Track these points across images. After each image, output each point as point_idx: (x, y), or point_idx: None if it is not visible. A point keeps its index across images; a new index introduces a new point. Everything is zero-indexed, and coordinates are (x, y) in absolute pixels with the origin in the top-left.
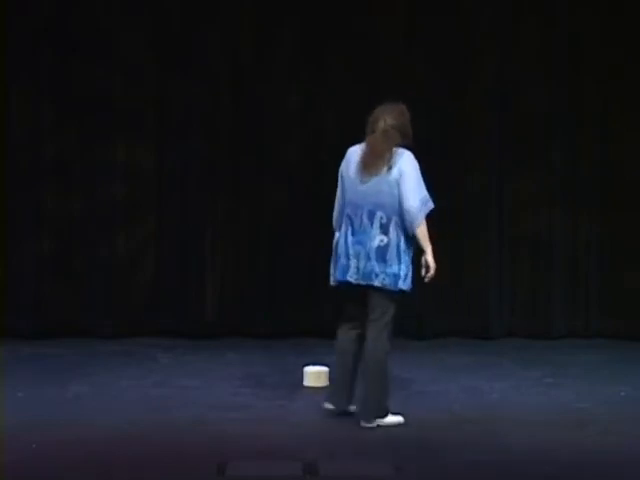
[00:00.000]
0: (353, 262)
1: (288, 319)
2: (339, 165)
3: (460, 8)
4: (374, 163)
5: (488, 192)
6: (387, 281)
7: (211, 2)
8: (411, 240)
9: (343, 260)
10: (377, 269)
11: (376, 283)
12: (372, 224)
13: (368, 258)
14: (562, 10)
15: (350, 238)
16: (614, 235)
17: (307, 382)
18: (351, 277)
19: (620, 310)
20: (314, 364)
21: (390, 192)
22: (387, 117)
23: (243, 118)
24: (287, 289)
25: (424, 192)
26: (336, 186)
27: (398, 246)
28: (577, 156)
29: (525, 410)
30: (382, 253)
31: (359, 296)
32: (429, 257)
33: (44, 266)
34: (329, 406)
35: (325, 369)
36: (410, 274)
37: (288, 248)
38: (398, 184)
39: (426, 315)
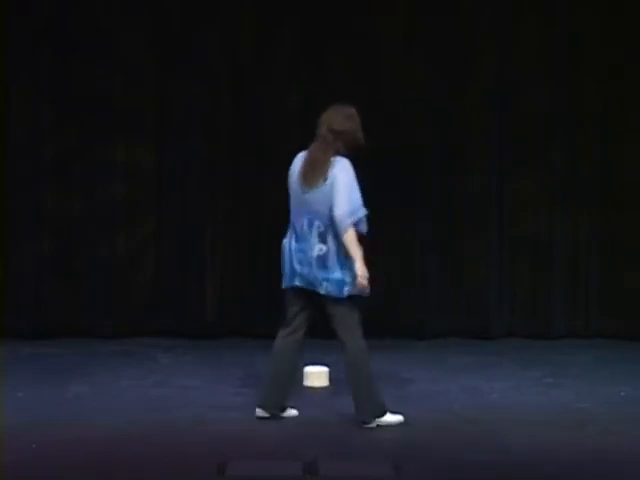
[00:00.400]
0: (298, 268)
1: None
2: None
3: (460, 8)
4: (312, 174)
5: (488, 192)
6: (331, 288)
7: (211, 2)
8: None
9: (289, 266)
10: (320, 277)
11: (321, 291)
12: (311, 233)
13: (310, 266)
14: (562, 10)
15: (294, 245)
16: (614, 235)
17: (307, 382)
18: (299, 282)
19: (620, 310)
20: (314, 364)
21: (325, 201)
22: (331, 122)
23: (243, 118)
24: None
25: (355, 200)
26: None
27: (338, 253)
28: (577, 156)
29: (525, 410)
30: (323, 261)
31: (306, 302)
32: (358, 265)
33: (44, 266)
34: (261, 413)
35: (325, 369)
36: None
37: None
38: (332, 194)
39: (426, 315)
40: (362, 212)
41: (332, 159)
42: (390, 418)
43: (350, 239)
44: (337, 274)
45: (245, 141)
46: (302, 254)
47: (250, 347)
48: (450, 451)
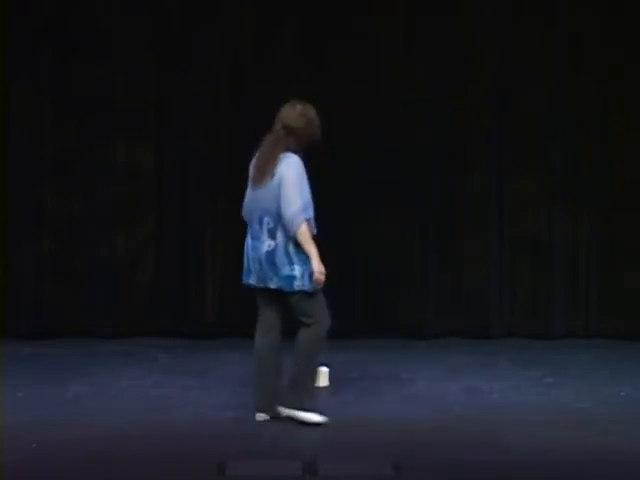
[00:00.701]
0: (252, 265)
1: (288, 319)
2: (339, 165)
3: (460, 8)
4: (261, 171)
5: (488, 192)
6: (281, 283)
7: (211, 2)
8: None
9: (246, 264)
10: (270, 273)
11: (271, 285)
12: (262, 229)
13: (261, 262)
14: (562, 10)
15: (250, 242)
16: (614, 235)
17: None
18: (253, 280)
19: (620, 310)
20: None
21: (273, 198)
22: (285, 118)
23: (243, 118)
24: None
25: (304, 198)
26: (336, 186)
27: (286, 249)
28: (577, 156)
29: (525, 410)
30: (271, 257)
31: (269, 299)
32: (314, 262)
33: (44, 266)
34: (262, 416)
35: (325, 369)
36: (312, 274)
37: None
38: (279, 190)
39: (426, 315)
40: (311, 212)
41: (280, 155)
42: (307, 415)
43: (304, 236)
44: (286, 270)
45: (245, 141)
46: (255, 251)
47: (250, 347)
48: (450, 451)
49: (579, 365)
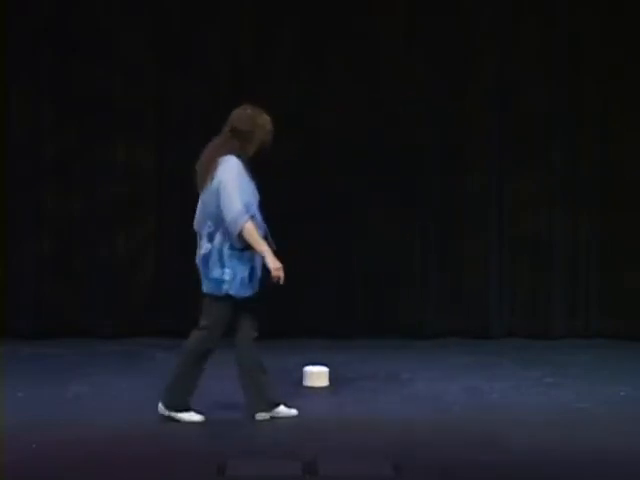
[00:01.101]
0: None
1: (287, 319)
2: (339, 165)
3: (460, 8)
4: (202, 173)
5: (488, 192)
6: (210, 286)
7: (211, 2)
8: (242, 245)
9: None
10: (203, 274)
11: (203, 289)
12: (203, 233)
13: (199, 267)
14: (562, 10)
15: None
16: (614, 235)
17: (307, 382)
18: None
19: (620, 310)
20: (314, 364)
21: (214, 201)
22: (234, 121)
23: None
24: (286, 289)
25: (244, 199)
26: (335, 186)
27: (220, 252)
28: (577, 156)
29: (525, 410)
30: (206, 260)
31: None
32: (268, 259)
33: (44, 266)
34: (262, 416)
35: (325, 369)
36: (245, 278)
37: (287, 248)
38: (219, 193)
39: (426, 315)
40: (252, 211)
41: (219, 159)
42: (184, 415)
43: (250, 234)
44: (216, 273)
45: None
46: (197, 257)
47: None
48: (450, 451)
49: (579, 365)
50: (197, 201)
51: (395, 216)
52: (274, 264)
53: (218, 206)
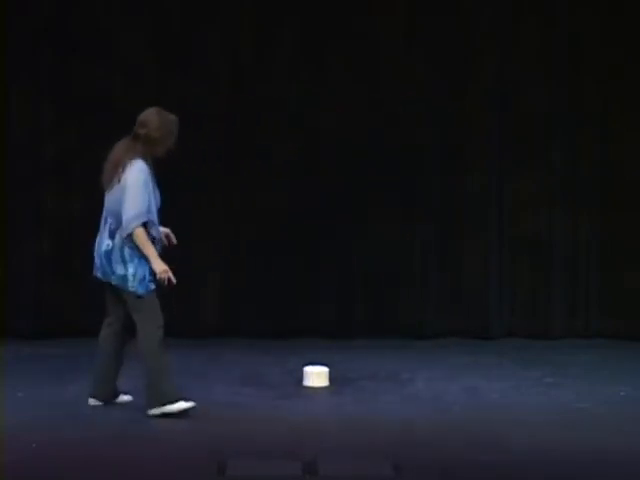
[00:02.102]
0: (97, 260)
1: (287, 319)
2: (339, 165)
3: (460, 8)
4: (109, 174)
5: (488, 192)
6: (118, 282)
7: (211, 2)
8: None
9: (94, 257)
10: (108, 270)
11: (113, 281)
12: (105, 228)
13: (101, 259)
14: (562, 10)
15: (98, 238)
16: (614, 235)
17: (307, 382)
18: (99, 274)
19: (620, 310)
20: (314, 364)
21: (118, 202)
22: (143, 126)
23: (243, 118)
24: (286, 289)
25: (141, 203)
26: (335, 186)
27: (122, 250)
28: (577, 156)
29: (525, 410)
30: (108, 256)
31: (112, 292)
32: (153, 263)
33: (44, 266)
34: (94, 402)
35: (325, 369)
36: (146, 275)
37: (288, 248)
38: (123, 194)
39: (426, 315)
40: (144, 218)
41: (129, 161)
42: (172, 407)
43: (139, 240)
44: (120, 270)
45: (245, 141)
46: (98, 248)
47: (250, 347)
48: (450, 451)
49: (579, 365)
50: (198, 201)
51: (395, 216)
52: (159, 267)
53: (120, 205)
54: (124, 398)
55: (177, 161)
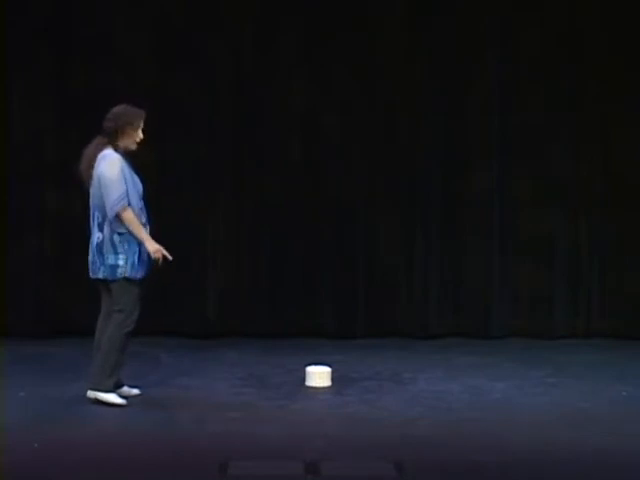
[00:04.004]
0: (89, 257)
1: (289, 319)
2: (339, 165)
3: (460, 8)
4: (85, 169)
5: (488, 192)
6: (107, 273)
7: (211, 2)
8: (127, 229)
9: (89, 256)
10: (98, 263)
11: (100, 275)
12: (93, 223)
13: (94, 254)
14: (562, 10)
15: (90, 237)
16: (614, 235)
17: (310, 382)
18: (90, 273)
19: (620, 310)
20: (316, 364)
21: (98, 194)
22: (106, 118)
23: (243, 118)
24: (288, 289)
25: (120, 187)
26: (336, 186)
27: (112, 240)
28: (577, 156)
29: (526, 410)
30: (100, 248)
31: (104, 290)
32: (146, 244)
33: (45, 266)
34: (91, 394)
35: (327, 369)
36: (135, 261)
37: (288, 248)
38: (100, 186)
39: (427, 315)
40: (125, 202)
41: (99, 156)
42: (107, 396)
43: (127, 219)
44: (111, 259)
45: (245, 141)
46: (90, 244)
47: (251, 347)
48: (451, 451)
49: (580, 365)
50: (199, 201)
51: (395, 216)
52: (152, 247)
53: (101, 197)
54: (133, 392)
55: (177, 161)
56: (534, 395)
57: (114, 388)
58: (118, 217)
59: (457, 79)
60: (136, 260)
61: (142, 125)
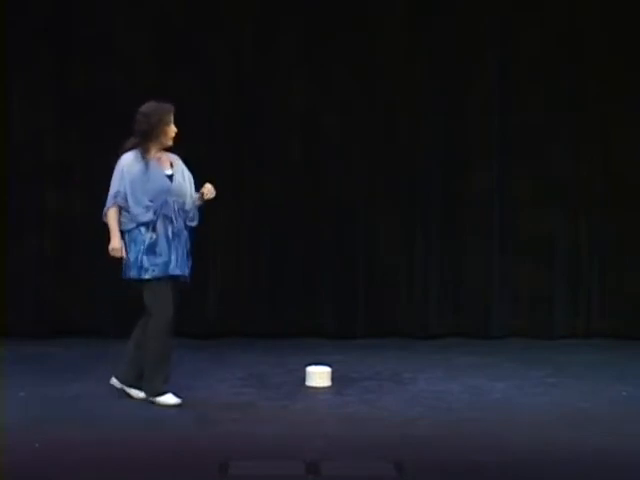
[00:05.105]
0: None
1: (289, 319)
2: (339, 165)
3: (460, 8)
4: None
5: (488, 192)
6: (123, 271)
7: (211, 2)
8: (141, 231)
9: None
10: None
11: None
12: None
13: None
14: (562, 10)
15: None
16: (614, 235)
17: (310, 382)
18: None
19: (620, 310)
20: (316, 364)
21: None
22: (136, 119)
23: (243, 118)
24: (288, 289)
25: (111, 189)
26: (336, 186)
27: (124, 235)
28: (577, 156)
29: (526, 410)
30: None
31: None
32: (111, 241)
33: (45, 266)
34: (114, 381)
35: (327, 369)
36: (136, 259)
37: (288, 248)
38: None
39: (427, 315)
40: (118, 200)
41: (121, 156)
42: (160, 399)
43: (108, 219)
44: (126, 259)
45: (245, 141)
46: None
47: (251, 347)
48: (451, 451)
49: (580, 365)
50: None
51: (395, 216)
52: (112, 244)
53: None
54: (141, 395)
55: None
56: (534, 395)
57: (129, 385)
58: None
59: (457, 79)
60: (139, 259)
61: (173, 119)
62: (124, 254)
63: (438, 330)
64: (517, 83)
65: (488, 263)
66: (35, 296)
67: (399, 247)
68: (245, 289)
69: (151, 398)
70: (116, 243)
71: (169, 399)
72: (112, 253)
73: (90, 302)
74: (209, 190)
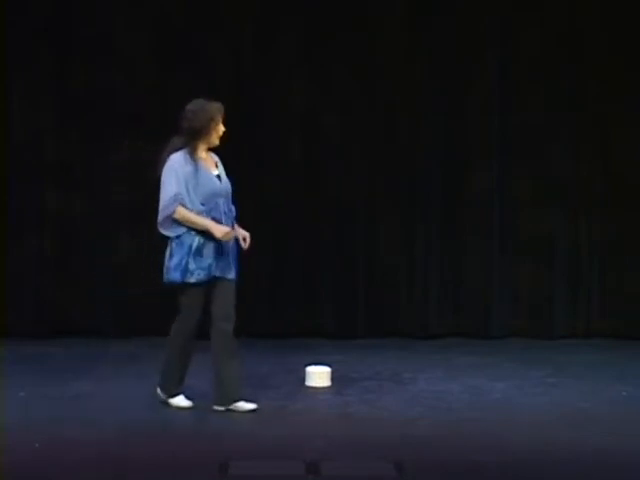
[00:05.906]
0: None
1: (289, 319)
2: (339, 165)
3: (460, 8)
4: (160, 174)
5: (488, 192)
6: (166, 276)
7: (211, 2)
8: (190, 234)
9: None
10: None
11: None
12: None
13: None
14: (562, 10)
15: None
16: (614, 235)
17: (310, 382)
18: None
19: (620, 310)
20: (316, 364)
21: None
22: (184, 116)
23: (243, 118)
24: (288, 289)
25: (170, 189)
26: (336, 186)
27: (170, 243)
28: (577, 156)
29: (526, 410)
30: (167, 253)
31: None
32: (212, 231)
33: (45, 266)
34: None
35: (327, 369)
36: (179, 264)
37: (288, 248)
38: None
39: (427, 315)
40: (171, 209)
41: (167, 156)
42: (172, 400)
43: (182, 216)
44: (167, 261)
45: (245, 141)
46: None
47: (252, 347)
48: (451, 451)
49: (580, 365)
50: None
51: (395, 216)
52: (219, 232)
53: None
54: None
55: None
56: (534, 395)
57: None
58: (169, 220)
59: (457, 79)
60: (183, 263)
61: (221, 118)
62: (233, 233)
63: (438, 330)
64: (517, 83)
65: (488, 263)
66: (35, 296)
67: (399, 247)
68: (245, 289)
69: (163, 397)
70: (221, 227)
71: (181, 401)
72: (225, 238)
73: (90, 302)
74: (246, 243)
